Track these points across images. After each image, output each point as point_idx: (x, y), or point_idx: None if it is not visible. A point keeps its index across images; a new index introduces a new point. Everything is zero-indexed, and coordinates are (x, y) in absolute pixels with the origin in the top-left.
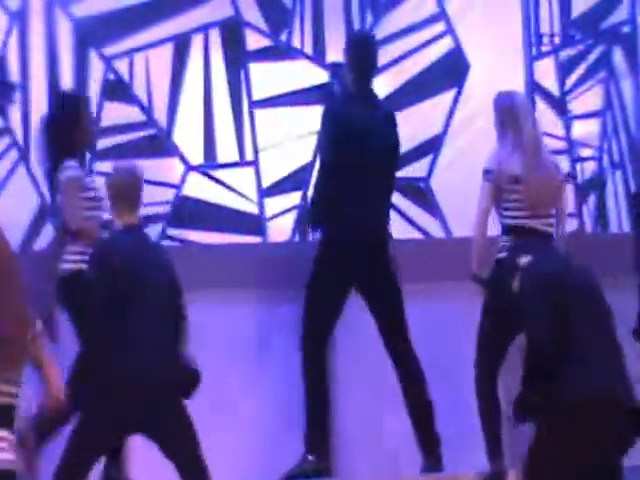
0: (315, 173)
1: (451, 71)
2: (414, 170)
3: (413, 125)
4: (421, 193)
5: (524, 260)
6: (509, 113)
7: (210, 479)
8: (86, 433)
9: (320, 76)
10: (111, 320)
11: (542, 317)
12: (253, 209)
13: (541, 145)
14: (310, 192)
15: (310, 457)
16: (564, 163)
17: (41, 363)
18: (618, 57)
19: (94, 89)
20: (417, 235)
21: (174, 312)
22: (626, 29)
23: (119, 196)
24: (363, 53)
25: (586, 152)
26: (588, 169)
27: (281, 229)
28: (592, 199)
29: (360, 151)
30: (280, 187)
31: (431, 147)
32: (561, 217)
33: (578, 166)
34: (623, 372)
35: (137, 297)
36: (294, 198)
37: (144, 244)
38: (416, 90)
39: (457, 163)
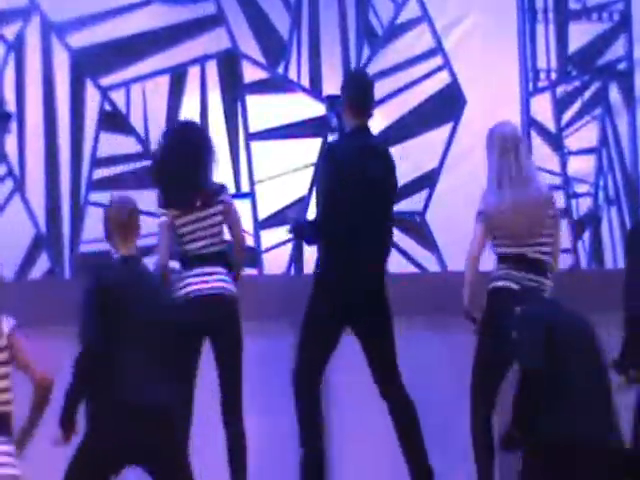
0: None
1: (447, 105)
2: (410, 204)
3: (409, 159)
4: (416, 227)
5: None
6: (499, 143)
7: None
8: (78, 459)
9: (316, 108)
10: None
11: (528, 351)
12: (249, 241)
13: (531, 174)
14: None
15: None
16: (559, 199)
17: (23, 361)
18: (614, 94)
19: (90, 119)
20: (412, 269)
21: (166, 345)
22: (622, 66)
23: (116, 227)
24: (359, 94)
25: (582, 188)
26: (583, 205)
27: (277, 261)
28: (587, 235)
29: (355, 194)
30: (276, 219)
31: (427, 181)
32: (555, 248)
33: (573, 202)
34: (611, 419)
35: (124, 329)
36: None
37: (140, 276)
38: (412, 124)
39: (453, 197)
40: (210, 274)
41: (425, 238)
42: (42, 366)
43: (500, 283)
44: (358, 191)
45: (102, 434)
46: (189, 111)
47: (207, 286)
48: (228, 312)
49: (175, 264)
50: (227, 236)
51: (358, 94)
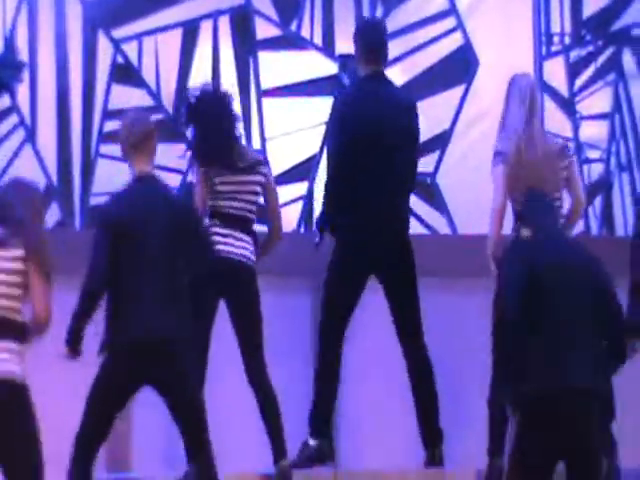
0: (323, 167)
1: (460, 67)
2: (421, 165)
3: (420, 120)
4: (428, 189)
5: (525, 234)
6: (520, 93)
7: (211, 450)
8: (97, 386)
9: (329, 67)
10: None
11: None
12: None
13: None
14: (318, 189)
15: (312, 442)
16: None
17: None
18: (628, 59)
19: (102, 72)
20: (422, 230)
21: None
22: (637, 31)
23: (130, 146)
24: (372, 39)
25: (594, 154)
26: (595, 171)
27: (287, 219)
28: (598, 201)
29: (371, 140)
30: (287, 177)
31: (438, 143)
32: (576, 188)
33: (585, 168)
34: (590, 361)
35: (133, 247)
36: (301, 188)
37: (155, 194)
38: (424, 85)
39: (464, 160)
40: (237, 239)
41: (435, 200)
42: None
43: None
44: (374, 137)
45: (114, 365)
46: (201, 66)
47: (231, 249)
48: (246, 280)
49: None
50: None
51: (371, 39)
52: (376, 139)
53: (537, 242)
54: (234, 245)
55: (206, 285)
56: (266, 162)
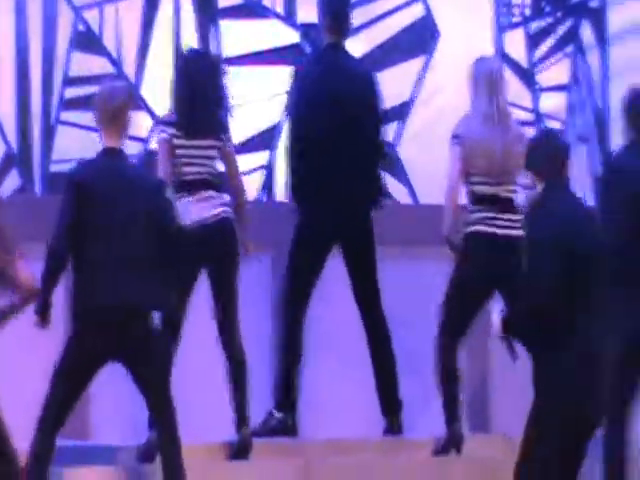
0: (284, 137)
1: (421, 38)
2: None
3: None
4: (389, 159)
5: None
6: (487, 79)
7: (176, 422)
8: (63, 360)
9: (291, 36)
10: (75, 243)
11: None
12: (220, 167)
13: (508, 111)
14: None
15: (278, 414)
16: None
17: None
18: (586, 31)
19: (63, 39)
20: None
21: (147, 237)
22: (594, 4)
23: (101, 118)
24: (336, 8)
25: (552, 125)
26: None
27: (249, 187)
28: None
29: (330, 113)
30: (248, 146)
31: (399, 114)
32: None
33: None
34: None
35: (101, 224)
36: (262, 157)
37: (123, 165)
38: (385, 56)
39: (425, 131)
40: (203, 199)
41: (397, 170)
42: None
43: (476, 227)
44: (329, 111)
45: (81, 335)
46: (161, 35)
47: (208, 213)
48: (224, 235)
49: None
50: None
51: (335, 8)
52: (335, 111)
53: None
54: (205, 207)
55: (186, 254)
56: (226, 128)
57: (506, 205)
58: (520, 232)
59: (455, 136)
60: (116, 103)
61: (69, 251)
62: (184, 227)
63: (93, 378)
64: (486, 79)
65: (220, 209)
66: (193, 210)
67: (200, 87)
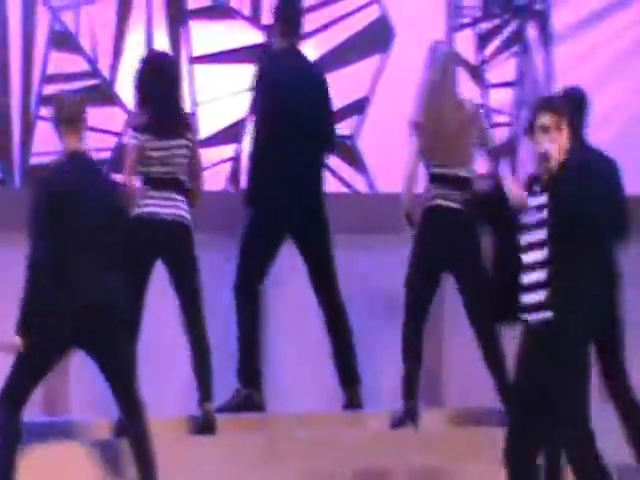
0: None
1: (377, 38)
2: (342, 129)
3: (340, 88)
4: (347, 150)
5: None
6: (441, 60)
7: (143, 410)
8: (30, 347)
9: (256, 37)
10: (44, 242)
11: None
12: None
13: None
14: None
15: (243, 390)
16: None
17: None
18: (531, 32)
19: (41, 38)
20: (344, 190)
21: (111, 237)
22: (539, 6)
23: (60, 122)
24: (290, 12)
25: (500, 119)
26: (501, 135)
27: (217, 179)
28: (504, 164)
29: (285, 111)
30: (216, 139)
31: (358, 109)
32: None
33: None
34: None
35: (71, 231)
36: (230, 150)
37: (86, 171)
38: (342, 57)
39: (382, 124)
40: (170, 199)
41: (355, 161)
42: None
43: (436, 202)
44: (288, 107)
45: (51, 329)
46: (135, 34)
47: (163, 210)
48: (181, 236)
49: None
50: None
51: (288, 12)
52: (289, 113)
53: None
54: (167, 206)
55: (142, 248)
56: (192, 127)
57: (463, 184)
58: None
59: (412, 122)
60: (71, 110)
61: (48, 260)
62: (137, 216)
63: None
64: (441, 63)
65: (183, 212)
66: (156, 205)
67: (168, 88)
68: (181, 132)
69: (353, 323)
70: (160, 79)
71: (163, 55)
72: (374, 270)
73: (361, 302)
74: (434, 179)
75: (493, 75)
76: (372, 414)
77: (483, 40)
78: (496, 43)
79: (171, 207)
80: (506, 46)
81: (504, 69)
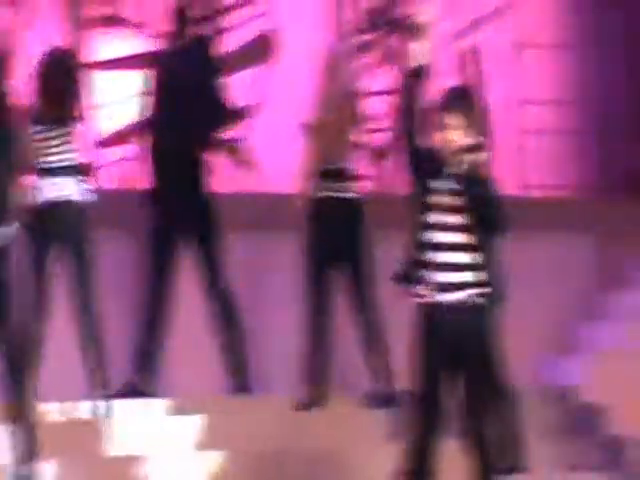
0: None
1: (266, 48)
2: (236, 132)
3: (232, 92)
4: (240, 151)
5: None
6: (329, 64)
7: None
8: None
9: (149, 44)
10: None
11: None
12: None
13: (349, 96)
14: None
15: (136, 377)
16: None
17: None
18: (403, 45)
19: None
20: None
21: None
22: (409, 21)
23: None
24: (179, 20)
25: (378, 124)
26: (379, 139)
27: (112, 178)
28: (383, 164)
29: (163, 123)
30: (111, 139)
31: (251, 112)
32: None
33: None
34: None
35: None
36: (124, 151)
37: None
38: (237, 62)
39: (270, 126)
40: (57, 184)
41: (248, 161)
42: None
43: (323, 193)
44: (174, 102)
45: None
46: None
47: (53, 194)
48: (71, 218)
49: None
50: None
51: (178, 19)
52: (180, 104)
53: None
54: (56, 189)
55: (34, 234)
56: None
57: (343, 175)
58: (352, 195)
59: (303, 124)
60: None
61: None
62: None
63: None
64: (328, 64)
65: (74, 191)
66: (46, 191)
67: (51, 81)
68: (67, 121)
69: (247, 316)
70: (41, 73)
71: (61, 49)
72: (267, 273)
73: (252, 294)
74: (320, 174)
75: (372, 84)
76: (268, 398)
77: (361, 50)
78: (372, 55)
79: (59, 190)
80: (381, 57)
81: (381, 79)
